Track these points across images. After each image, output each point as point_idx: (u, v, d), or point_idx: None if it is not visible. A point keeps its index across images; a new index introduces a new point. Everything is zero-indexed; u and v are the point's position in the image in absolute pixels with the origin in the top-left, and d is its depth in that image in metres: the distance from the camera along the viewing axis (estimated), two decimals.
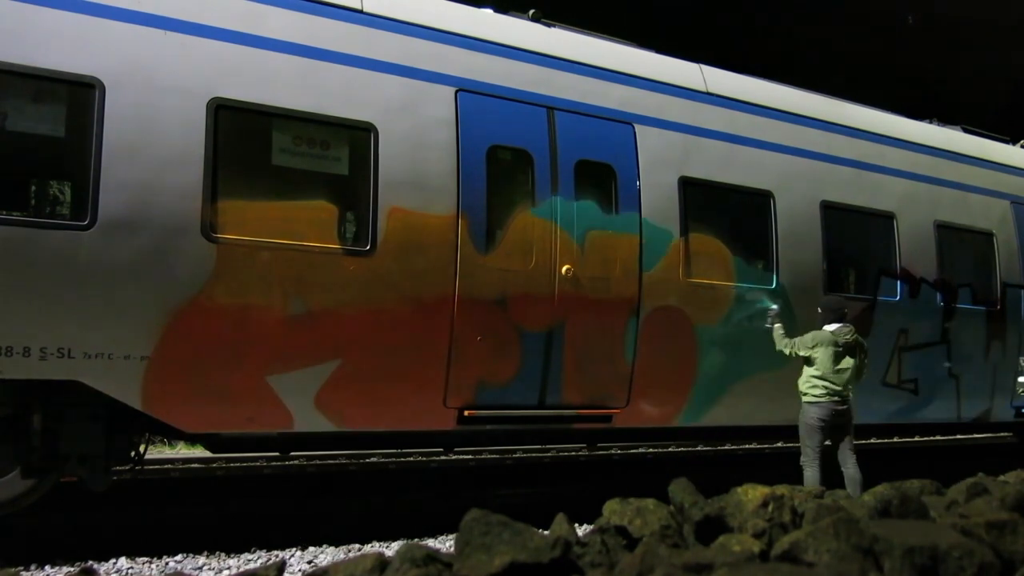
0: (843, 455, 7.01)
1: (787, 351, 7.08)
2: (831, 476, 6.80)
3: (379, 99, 6.21)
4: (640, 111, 7.32)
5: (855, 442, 7.13)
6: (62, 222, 5.30)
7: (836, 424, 6.95)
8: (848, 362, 6.96)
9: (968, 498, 3.27)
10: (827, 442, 7.00)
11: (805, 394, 6.97)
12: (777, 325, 7.36)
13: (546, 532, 2.61)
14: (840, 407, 6.92)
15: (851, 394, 7.02)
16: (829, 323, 7.05)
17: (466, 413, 6.41)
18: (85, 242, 5.21)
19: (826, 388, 6.88)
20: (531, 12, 7.49)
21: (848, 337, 6.99)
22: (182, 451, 11.39)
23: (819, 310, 7.25)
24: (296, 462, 10.16)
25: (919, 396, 8.82)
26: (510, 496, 8.22)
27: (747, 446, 13.17)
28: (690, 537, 2.79)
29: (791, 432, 7.33)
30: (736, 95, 8.01)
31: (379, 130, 6.14)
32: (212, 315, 5.52)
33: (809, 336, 7.01)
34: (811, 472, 6.90)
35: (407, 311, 6.12)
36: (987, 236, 9.57)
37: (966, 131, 10.38)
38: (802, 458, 6.99)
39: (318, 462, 10.26)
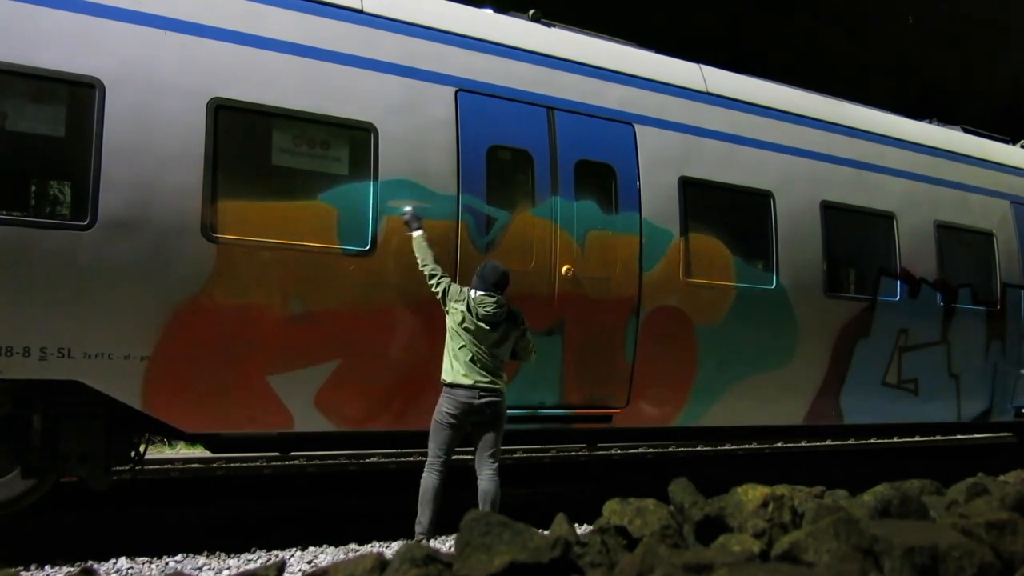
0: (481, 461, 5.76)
1: (426, 271, 5.75)
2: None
3: (379, 99, 6.21)
4: (640, 111, 7.32)
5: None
6: (62, 222, 5.30)
7: (478, 422, 5.68)
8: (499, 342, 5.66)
9: (968, 498, 3.27)
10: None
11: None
12: (418, 233, 5.88)
13: (546, 532, 2.61)
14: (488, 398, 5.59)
15: (503, 381, 5.68)
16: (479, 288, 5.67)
17: None
18: (85, 242, 5.21)
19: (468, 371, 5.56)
20: (531, 12, 7.49)
21: (498, 320, 5.60)
22: (182, 451, 11.39)
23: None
24: (296, 462, 10.16)
25: (919, 396, 8.81)
26: (510, 496, 8.21)
27: (747, 446, 13.17)
28: (690, 537, 2.79)
29: (791, 432, 7.31)
30: (736, 95, 8.01)
31: (379, 130, 6.14)
32: (212, 315, 5.52)
33: (461, 291, 5.69)
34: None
35: (407, 311, 6.12)
36: (987, 236, 9.57)
37: (966, 131, 10.38)
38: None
39: (318, 462, 10.26)
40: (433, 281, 5.74)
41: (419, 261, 5.81)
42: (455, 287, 5.71)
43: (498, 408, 5.64)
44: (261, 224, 5.71)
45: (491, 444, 5.69)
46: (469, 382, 5.52)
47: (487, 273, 5.67)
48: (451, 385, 5.56)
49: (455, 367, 5.56)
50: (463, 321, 5.56)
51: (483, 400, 5.54)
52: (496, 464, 5.71)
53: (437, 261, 5.82)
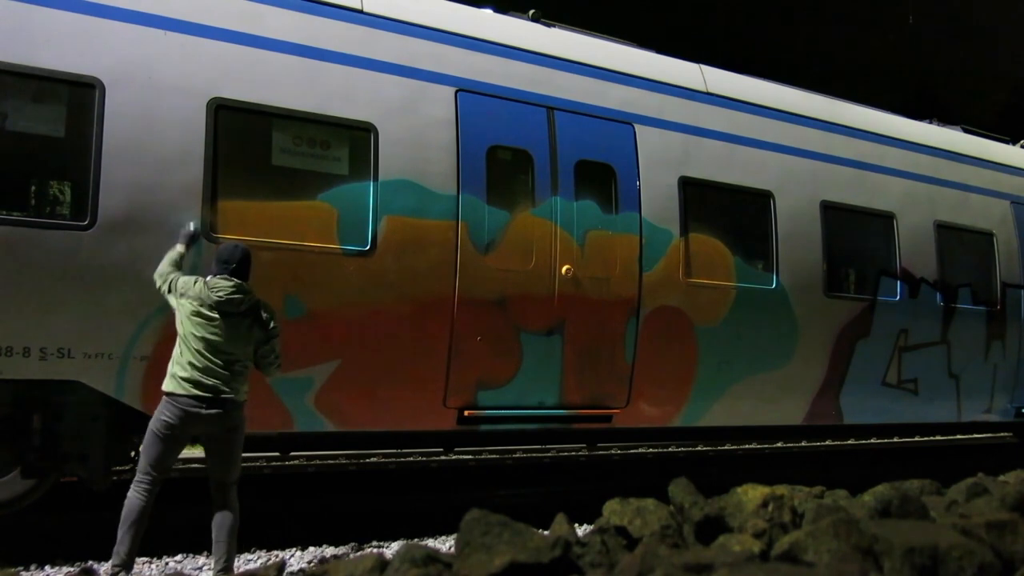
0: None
1: (159, 281, 4.87)
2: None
3: (379, 99, 6.22)
4: (640, 111, 7.32)
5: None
6: (62, 222, 5.30)
7: (209, 435, 4.77)
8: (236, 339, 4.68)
9: (968, 498, 3.27)
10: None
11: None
12: (180, 247, 5.14)
13: (546, 532, 2.61)
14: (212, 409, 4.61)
15: (241, 390, 4.72)
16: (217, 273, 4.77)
17: (466, 413, 6.41)
18: (85, 242, 5.21)
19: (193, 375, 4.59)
20: (531, 12, 7.50)
21: (241, 308, 4.69)
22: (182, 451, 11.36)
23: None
24: (296, 462, 10.16)
25: (919, 396, 8.82)
26: (510, 496, 8.22)
27: (747, 446, 13.17)
28: (690, 537, 2.79)
29: (791, 432, 7.30)
30: (736, 95, 8.02)
31: (379, 130, 6.14)
32: None
33: (189, 283, 4.74)
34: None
35: (407, 311, 6.12)
36: (987, 236, 9.58)
37: (966, 131, 10.39)
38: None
39: (318, 462, 10.26)
40: (160, 280, 4.85)
41: (158, 274, 4.90)
42: (185, 278, 4.77)
43: (231, 422, 4.69)
44: (261, 224, 5.71)
45: (224, 465, 4.79)
46: (195, 390, 4.56)
47: (223, 253, 4.82)
48: (172, 393, 4.58)
49: (180, 371, 4.59)
50: (194, 314, 4.62)
51: (211, 411, 4.59)
52: (233, 490, 4.82)
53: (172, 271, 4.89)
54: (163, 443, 4.65)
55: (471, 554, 2.32)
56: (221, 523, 4.78)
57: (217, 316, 4.62)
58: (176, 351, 4.65)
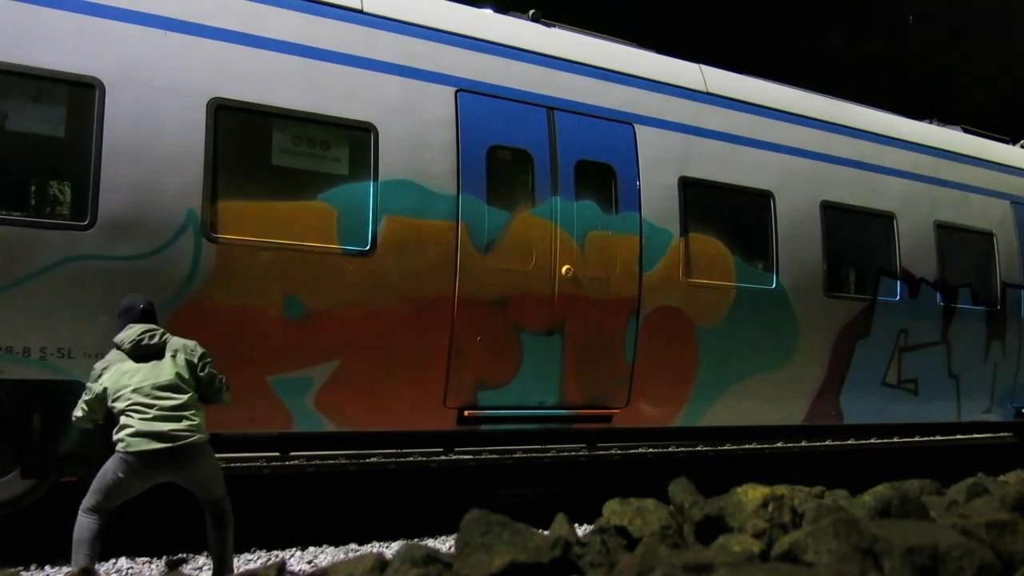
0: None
1: (82, 414, 4.62)
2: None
3: (379, 99, 6.22)
4: (640, 111, 7.32)
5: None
6: (62, 222, 5.30)
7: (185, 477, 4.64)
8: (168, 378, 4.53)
9: (968, 498, 3.27)
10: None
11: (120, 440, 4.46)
12: None
13: (546, 532, 2.61)
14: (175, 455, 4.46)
15: (198, 429, 4.54)
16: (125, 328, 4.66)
17: (466, 413, 6.42)
18: (85, 242, 5.21)
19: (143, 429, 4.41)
20: (531, 12, 7.50)
21: (154, 341, 4.59)
22: None
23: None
24: (296, 462, 10.15)
25: (919, 396, 8.82)
26: (510, 496, 8.22)
27: (747, 446, 13.16)
28: (690, 537, 2.79)
29: (791, 432, 7.30)
30: (736, 95, 8.01)
31: (379, 130, 6.14)
32: (212, 315, 5.52)
33: (99, 366, 4.61)
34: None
35: (407, 311, 6.12)
36: (987, 236, 9.58)
37: (966, 131, 10.38)
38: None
39: (318, 462, 10.25)
40: (86, 405, 4.59)
41: (82, 404, 4.61)
42: (93, 369, 4.61)
43: (196, 469, 4.58)
44: (261, 224, 5.71)
45: (205, 489, 4.71)
46: (153, 443, 4.39)
47: (124, 304, 4.76)
48: (128, 451, 4.42)
49: (131, 433, 4.41)
50: (125, 378, 4.48)
51: (171, 462, 4.46)
52: (225, 500, 4.79)
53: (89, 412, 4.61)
54: (115, 492, 4.53)
55: (471, 554, 2.32)
56: (216, 530, 4.76)
57: (138, 367, 4.49)
58: (120, 423, 4.43)
